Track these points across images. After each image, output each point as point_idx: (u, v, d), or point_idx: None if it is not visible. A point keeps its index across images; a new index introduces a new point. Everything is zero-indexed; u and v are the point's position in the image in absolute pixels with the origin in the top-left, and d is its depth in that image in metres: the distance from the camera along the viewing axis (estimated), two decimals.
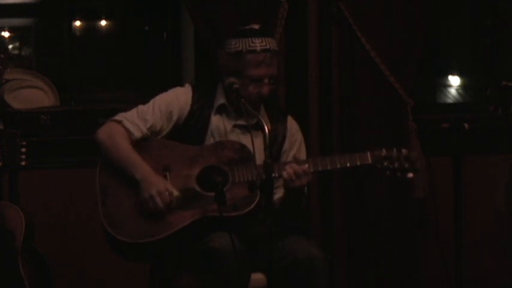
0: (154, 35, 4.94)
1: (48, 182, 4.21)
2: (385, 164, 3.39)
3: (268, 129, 3.11)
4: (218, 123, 3.52)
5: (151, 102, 3.53)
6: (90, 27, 5.00)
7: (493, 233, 4.64)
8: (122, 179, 3.39)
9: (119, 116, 3.49)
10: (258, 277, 3.39)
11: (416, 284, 4.48)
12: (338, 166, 3.39)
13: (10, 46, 4.88)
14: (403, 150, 3.42)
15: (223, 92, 3.54)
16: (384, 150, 3.40)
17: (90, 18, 4.95)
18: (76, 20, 4.87)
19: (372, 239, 4.41)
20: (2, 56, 3.71)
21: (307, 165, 3.35)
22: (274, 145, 3.52)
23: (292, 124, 3.65)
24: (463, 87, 5.32)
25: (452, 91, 5.30)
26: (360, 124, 4.39)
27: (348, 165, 3.39)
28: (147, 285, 3.61)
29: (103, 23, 5.00)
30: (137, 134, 3.45)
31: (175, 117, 3.50)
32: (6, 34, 4.87)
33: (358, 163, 3.40)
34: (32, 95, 4.35)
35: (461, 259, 4.41)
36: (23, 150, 3.57)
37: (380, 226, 4.42)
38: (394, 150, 3.41)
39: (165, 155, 3.43)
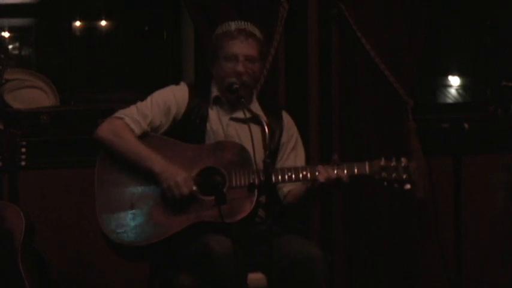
0: (154, 35, 4.94)
1: (48, 182, 4.21)
2: (383, 174, 3.36)
3: (267, 127, 3.12)
4: (215, 117, 3.53)
5: (148, 98, 3.54)
6: (90, 27, 4.99)
7: (493, 232, 4.65)
8: (119, 179, 3.39)
9: (119, 113, 3.49)
10: (258, 277, 3.39)
11: (416, 284, 4.48)
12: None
13: (10, 46, 4.88)
14: (403, 160, 3.37)
15: (217, 87, 3.55)
16: (382, 160, 3.37)
17: (90, 18, 4.95)
18: (76, 20, 4.87)
19: (371, 240, 4.41)
20: (2, 56, 3.71)
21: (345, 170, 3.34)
22: (273, 139, 3.52)
23: (287, 118, 3.66)
24: (463, 87, 5.31)
25: (452, 91, 5.30)
26: (360, 124, 4.39)
27: (346, 173, 3.38)
28: (147, 285, 3.61)
29: (103, 23, 4.99)
30: (138, 130, 3.45)
31: (173, 112, 3.50)
32: (6, 34, 4.87)
33: (356, 172, 3.38)
34: (32, 95, 4.35)
35: (461, 259, 4.42)
36: (23, 150, 3.56)
37: (380, 226, 4.42)
38: (393, 159, 3.37)
39: (164, 154, 3.42)
